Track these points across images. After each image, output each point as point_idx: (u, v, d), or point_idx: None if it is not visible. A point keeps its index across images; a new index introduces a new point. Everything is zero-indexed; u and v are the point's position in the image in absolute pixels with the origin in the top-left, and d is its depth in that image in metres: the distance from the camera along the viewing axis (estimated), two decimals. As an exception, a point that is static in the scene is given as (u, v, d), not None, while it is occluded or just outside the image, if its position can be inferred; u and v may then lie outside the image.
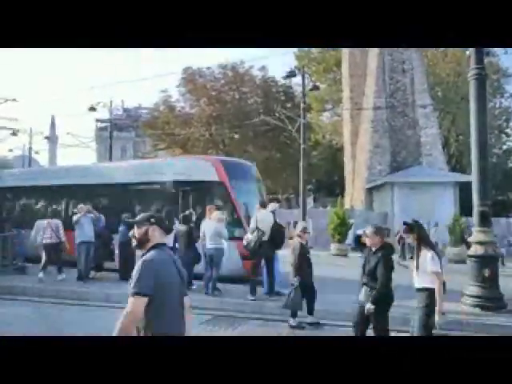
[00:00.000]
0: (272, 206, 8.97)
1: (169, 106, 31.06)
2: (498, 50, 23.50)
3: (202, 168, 11.16)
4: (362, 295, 4.91)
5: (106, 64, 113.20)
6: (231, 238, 9.55)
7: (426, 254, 4.47)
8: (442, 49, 31.30)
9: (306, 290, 6.64)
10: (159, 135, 30.94)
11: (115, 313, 7.85)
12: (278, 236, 8.39)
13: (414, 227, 4.69)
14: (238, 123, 26.62)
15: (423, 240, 4.62)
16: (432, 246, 4.65)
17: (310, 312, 6.80)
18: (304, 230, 6.84)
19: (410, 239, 4.83)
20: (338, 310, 7.33)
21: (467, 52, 8.94)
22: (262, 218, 8.45)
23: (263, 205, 8.72)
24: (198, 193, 10.81)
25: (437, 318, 4.29)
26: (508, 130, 33.20)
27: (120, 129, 46.66)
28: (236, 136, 29.74)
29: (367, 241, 4.93)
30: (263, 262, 8.72)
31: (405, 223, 4.82)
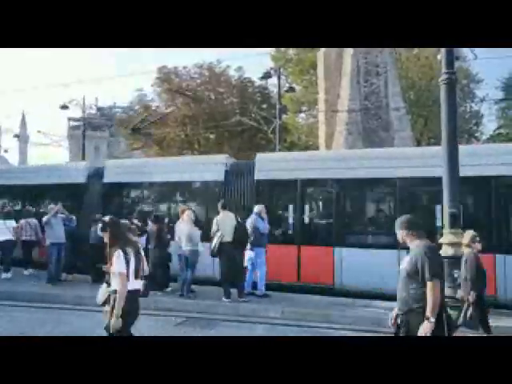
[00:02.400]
0: (257, 207, 9.02)
1: (144, 105, 30.67)
2: (469, 55, 24.12)
3: None
4: (98, 295, 4.57)
5: (79, 61, 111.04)
6: None
7: (114, 254, 4.13)
8: (415, 52, 31.92)
9: (480, 305, 5.92)
10: (134, 134, 30.51)
11: (86, 316, 7.65)
12: (240, 237, 8.43)
13: (106, 225, 4.31)
14: (213, 123, 26.49)
15: (118, 238, 4.26)
16: (121, 245, 4.19)
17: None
18: (473, 239, 6.16)
19: (106, 238, 4.35)
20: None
21: (438, 56, 9.14)
22: (222, 220, 8.49)
23: (224, 206, 8.77)
24: None
25: (112, 320, 4.02)
26: (478, 134, 34.09)
27: (94, 127, 45.76)
28: (211, 136, 29.60)
29: None
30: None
31: (102, 221, 4.45)
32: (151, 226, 9.60)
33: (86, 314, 7.66)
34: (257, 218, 8.84)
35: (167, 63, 40.85)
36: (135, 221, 9.97)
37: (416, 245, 3.87)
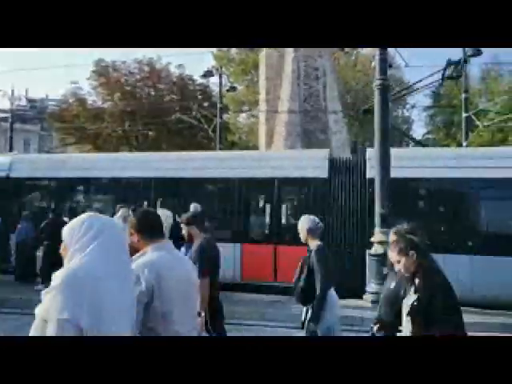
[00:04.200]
0: (194, 206, 8.95)
1: (79, 98, 29.41)
2: (402, 63, 25.43)
3: None
4: None
5: (8, 49, 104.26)
6: None
7: None
8: (352, 58, 33.09)
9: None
10: (68, 129, 29.18)
11: (7, 320, 7.16)
12: (176, 237, 8.34)
13: None
14: (152, 120, 25.95)
15: None
16: None
17: None
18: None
19: None
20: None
21: (373, 63, 9.55)
22: None
23: (162, 204, 8.66)
24: None
25: None
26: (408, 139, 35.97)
27: (23, 120, 43.20)
28: (150, 133, 28.98)
29: None
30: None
31: None
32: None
33: (8, 317, 7.21)
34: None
35: (105, 56, 39.48)
36: (65, 219, 9.53)
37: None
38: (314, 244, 4.11)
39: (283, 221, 10.19)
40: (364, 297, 8.07)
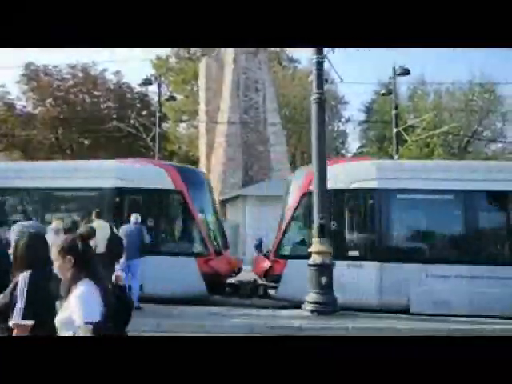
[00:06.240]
0: (137, 216, 8.76)
1: (7, 103, 27.79)
2: (337, 79, 26.46)
3: None
4: None
5: None
6: None
7: None
8: (290, 72, 33.97)
9: None
10: (-8, 135, 27.45)
11: None
12: (114, 248, 8.11)
13: None
14: (88, 128, 25.03)
15: None
16: None
17: None
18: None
19: None
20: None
21: (310, 78, 9.88)
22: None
23: (98, 215, 8.39)
24: None
25: None
26: (343, 152, 37.41)
27: None
28: (86, 141, 27.93)
29: None
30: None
31: None
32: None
33: None
34: (144, 229, 8.80)
35: (35, 59, 37.65)
36: (-9, 231, 8.91)
37: None
38: None
39: None
40: (303, 306, 8.22)
